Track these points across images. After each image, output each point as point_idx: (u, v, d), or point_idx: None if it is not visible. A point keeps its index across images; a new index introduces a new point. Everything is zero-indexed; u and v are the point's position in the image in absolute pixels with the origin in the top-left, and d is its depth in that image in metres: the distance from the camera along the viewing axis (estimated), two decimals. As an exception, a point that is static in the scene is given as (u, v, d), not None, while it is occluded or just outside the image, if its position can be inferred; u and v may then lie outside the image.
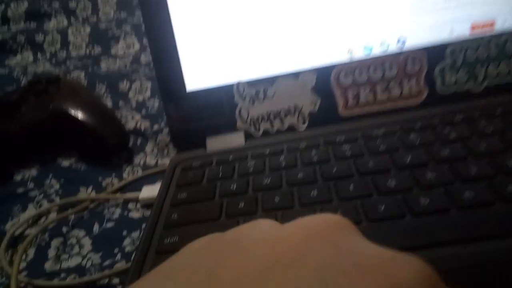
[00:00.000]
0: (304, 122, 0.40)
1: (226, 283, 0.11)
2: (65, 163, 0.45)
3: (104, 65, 0.65)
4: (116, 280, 0.31)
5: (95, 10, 0.73)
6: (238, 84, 0.40)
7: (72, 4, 0.74)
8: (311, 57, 0.39)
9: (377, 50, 0.38)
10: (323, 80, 0.39)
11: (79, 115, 0.44)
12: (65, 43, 0.72)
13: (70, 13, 0.73)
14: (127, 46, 0.69)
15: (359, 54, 0.39)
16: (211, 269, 0.11)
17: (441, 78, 0.38)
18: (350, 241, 0.12)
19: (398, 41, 0.38)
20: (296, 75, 0.39)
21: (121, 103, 0.53)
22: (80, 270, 0.32)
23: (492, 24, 0.38)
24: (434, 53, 0.38)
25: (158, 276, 0.12)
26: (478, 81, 0.38)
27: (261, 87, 0.40)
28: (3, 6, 0.75)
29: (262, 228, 0.13)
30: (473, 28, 0.38)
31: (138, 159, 0.45)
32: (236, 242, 0.13)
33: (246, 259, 0.11)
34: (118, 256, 0.33)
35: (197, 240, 0.14)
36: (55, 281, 0.31)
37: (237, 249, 0.12)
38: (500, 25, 0.38)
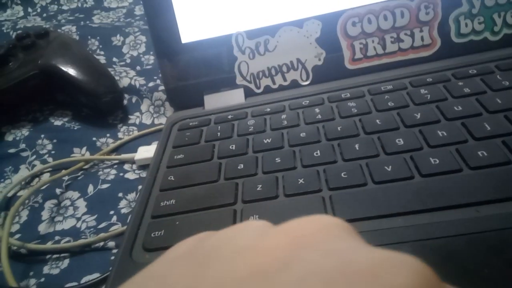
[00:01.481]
0: (307, 77, 0.38)
1: None
2: (58, 122, 0.44)
3: (96, 19, 0.61)
4: (111, 243, 0.30)
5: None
6: (237, 35, 0.37)
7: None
8: (316, 3, 0.36)
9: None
10: (329, 30, 0.36)
11: (70, 70, 0.42)
12: (56, -4, 0.69)
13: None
14: (121, -2, 0.66)
15: None
16: (187, 282, 0.10)
17: (456, 26, 0.35)
18: (340, 245, 0.11)
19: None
20: (299, 24, 0.36)
21: (114, 58, 0.51)
22: (74, 232, 0.31)
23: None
24: (450, -1, 0.35)
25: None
26: (495, 29, 0.35)
27: (262, 39, 0.37)
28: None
29: (249, 233, 0.12)
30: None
31: (134, 118, 0.43)
32: (217, 250, 0.12)
33: (224, 271, 0.10)
34: (114, 218, 0.32)
35: (181, 243, 0.13)
36: (49, 244, 0.31)
37: (217, 258, 0.11)
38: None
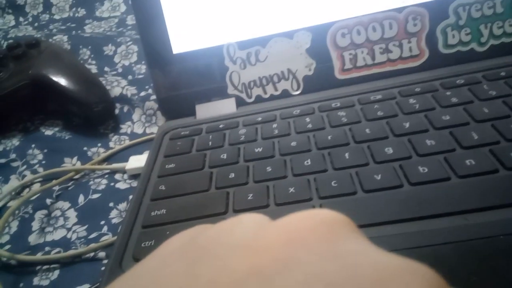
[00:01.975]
0: (298, 87, 0.38)
1: None
2: (49, 132, 0.44)
3: (88, 28, 0.62)
4: (102, 254, 0.30)
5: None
6: (228, 45, 0.37)
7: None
8: (306, 14, 0.36)
9: (376, 7, 0.36)
10: (319, 41, 0.36)
11: (61, 80, 0.42)
12: (47, 6, 0.69)
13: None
14: (113, 8, 0.66)
15: (358, 11, 0.36)
16: (180, 281, 0.10)
17: (443, 37, 0.36)
18: (344, 246, 0.10)
19: (399, -3, 0.36)
20: (290, 35, 0.37)
21: (106, 68, 0.51)
22: (65, 243, 0.31)
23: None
24: (437, 11, 0.35)
25: (123, 286, 0.11)
26: (482, 40, 0.36)
27: (253, 49, 0.37)
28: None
29: (245, 229, 0.11)
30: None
31: (125, 127, 0.43)
32: (211, 246, 0.11)
33: (219, 270, 0.10)
34: (105, 229, 0.32)
35: (173, 238, 0.13)
36: (39, 255, 0.30)
37: (211, 256, 0.10)
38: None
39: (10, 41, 0.59)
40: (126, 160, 0.38)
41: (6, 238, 0.33)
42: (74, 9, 0.67)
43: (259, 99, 0.38)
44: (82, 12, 0.67)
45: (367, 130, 0.30)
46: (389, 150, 0.28)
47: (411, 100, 0.32)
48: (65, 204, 0.35)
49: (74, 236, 0.32)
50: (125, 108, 0.45)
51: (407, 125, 0.30)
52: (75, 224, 0.33)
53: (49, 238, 0.32)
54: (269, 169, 0.29)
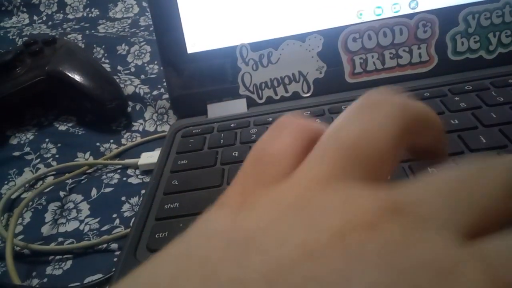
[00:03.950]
0: (308, 90, 0.39)
1: None
2: (62, 127, 0.44)
3: (101, 28, 0.63)
4: (114, 246, 0.30)
5: (93, -30, 0.70)
6: (241, 47, 0.38)
7: (69, -36, 0.71)
8: (319, 18, 0.37)
9: (388, 13, 0.37)
10: (330, 44, 0.37)
11: (76, 77, 0.43)
12: (62, 5, 0.70)
13: (66, -27, 0.71)
14: (126, 9, 0.67)
15: (369, 16, 0.37)
16: (232, 272, 0.09)
17: (453, 44, 0.37)
18: None
19: (410, 3, 0.37)
20: (302, 38, 0.37)
21: (119, 67, 0.52)
22: (77, 234, 0.32)
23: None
24: (447, 18, 0.36)
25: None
26: (490, 48, 0.37)
27: (265, 51, 0.38)
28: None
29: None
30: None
31: (137, 125, 0.44)
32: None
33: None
34: (117, 221, 0.33)
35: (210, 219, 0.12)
36: (52, 245, 0.31)
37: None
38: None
39: (25, 38, 0.61)
40: (137, 157, 0.38)
41: (19, 228, 0.33)
42: (88, 9, 0.69)
43: (270, 100, 0.39)
44: (95, 12, 0.68)
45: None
46: (398, 152, 0.28)
47: (420, 104, 0.33)
48: (78, 197, 0.36)
49: (86, 228, 0.32)
50: (138, 106, 0.46)
51: (416, 128, 0.30)
52: (87, 216, 0.34)
53: (62, 229, 0.33)
54: (279, 167, 0.29)
